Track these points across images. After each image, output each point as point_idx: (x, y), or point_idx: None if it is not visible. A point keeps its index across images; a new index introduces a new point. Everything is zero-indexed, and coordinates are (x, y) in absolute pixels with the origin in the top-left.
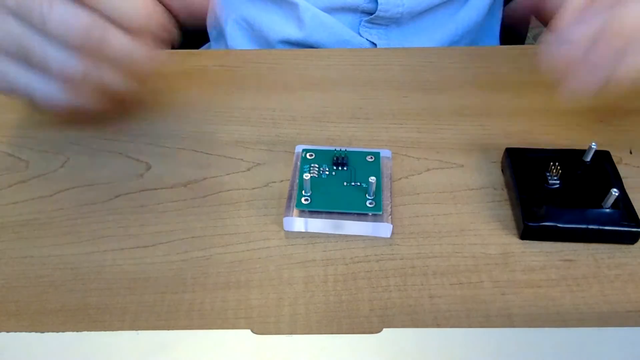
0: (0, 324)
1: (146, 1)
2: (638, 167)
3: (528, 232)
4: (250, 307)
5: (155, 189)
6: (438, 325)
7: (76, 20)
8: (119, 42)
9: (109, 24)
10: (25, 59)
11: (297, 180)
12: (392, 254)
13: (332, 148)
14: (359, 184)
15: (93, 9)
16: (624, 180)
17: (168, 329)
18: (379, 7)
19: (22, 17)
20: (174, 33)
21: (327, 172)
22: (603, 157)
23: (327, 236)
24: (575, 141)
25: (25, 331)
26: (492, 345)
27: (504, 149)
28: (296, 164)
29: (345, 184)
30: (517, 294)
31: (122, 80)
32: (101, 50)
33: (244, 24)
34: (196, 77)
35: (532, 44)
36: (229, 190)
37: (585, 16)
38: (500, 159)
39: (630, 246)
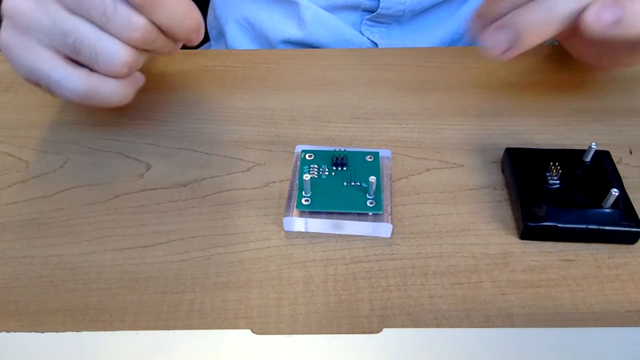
0: (0, 324)
1: (192, 11)
2: (638, 167)
3: (528, 232)
4: (250, 307)
5: (155, 189)
6: (438, 325)
7: (138, 23)
8: (166, 49)
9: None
10: (71, 52)
11: (297, 181)
12: (392, 254)
13: (332, 148)
14: (358, 184)
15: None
16: (624, 180)
17: (168, 329)
18: (381, 5)
19: (79, 13)
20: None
21: (326, 173)
22: (603, 157)
23: (327, 236)
24: (575, 141)
25: (25, 331)
26: (492, 345)
27: (504, 149)
28: (296, 164)
29: (345, 184)
30: (517, 294)
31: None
32: (151, 44)
33: (244, 24)
34: (196, 77)
35: None
36: (229, 190)
37: None
38: (500, 159)
39: (630, 246)
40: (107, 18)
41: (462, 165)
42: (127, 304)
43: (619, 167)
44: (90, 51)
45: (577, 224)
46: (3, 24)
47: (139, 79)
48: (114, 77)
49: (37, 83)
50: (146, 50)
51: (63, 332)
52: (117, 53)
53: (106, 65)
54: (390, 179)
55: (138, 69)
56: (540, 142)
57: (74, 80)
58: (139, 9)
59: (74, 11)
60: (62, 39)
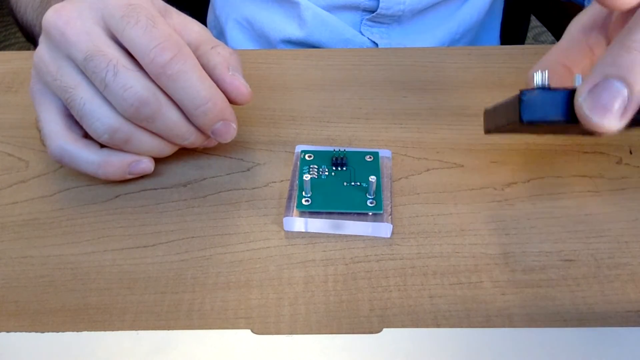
0: (0, 324)
1: (210, 87)
2: (638, 167)
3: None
4: (250, 307)
5: (155, 189)
6: (438, 325)
7: (134, 93)
8: (171, 120)
9: (168, 99)
10: (69, 107)
11: (297, 181)
12: (392, 254)
13: (331, 148)
14: (358, 183)
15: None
16: (624, 180)
17: (168, 329)
18: (380, 5)
19: (85, 71)
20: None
21: (326, 173)
22: None
23: (327, 236)
24: (575, 141)
25: (25, 331)
26: (492, 345)
27: (503, 149)
28: (296, 164)
29: (345, 184)
30: (517, 294)
31: (161, 149)
32: (151, 123)
33: (244, 24)
34: None
35: (532, 44)
36: (229, 190)
37: None
38: (500, 159)
39: (631, 246)
40: (106, 83)
41: (462, 165)
42: (127, 304)
43: (619, 167)
44: (78, 110)
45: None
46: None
47: (141, 164)
48: (100, 141)
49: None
50: (172, 143)
51: (63, 332)
52: (102, 117)
53: (88, 127)
54: (390, 179)
55: (143, 153)
56: (540, 142)
57: (58, 139)
58: (156, 78)
59: (82, 70)
60: (61, 93)
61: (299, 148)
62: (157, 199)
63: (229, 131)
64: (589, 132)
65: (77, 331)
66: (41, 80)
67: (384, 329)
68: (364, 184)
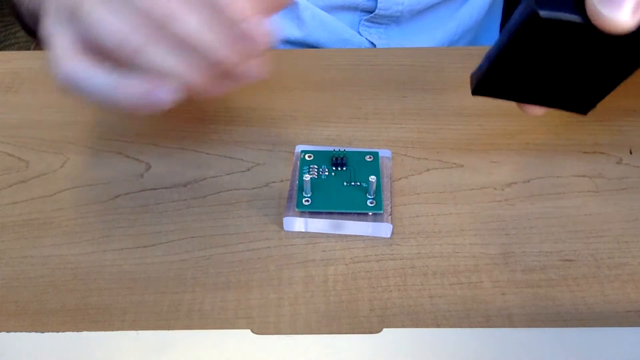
0: (0, 324)
1: None
2: (638, 167)
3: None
4: (250, 307)
5: (155, 189)
6: (438, 325)
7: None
8: (191, 24)
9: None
10: (76, 21)
11: (297, 181)
12: (392, 254)
13: (331, 148)
14: (358, 183)
15: None
16: (623, 181)
17: (168, 329)
18: (379, 6)
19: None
20: None
21: (326, 173)
22: None
23: (327, 236)
24: (575, 141)
25: (25, 331)
26: (492, 345)
27: (503, 149)
28: (296, 164)
29: (345, 184)
30: (517, 294)
31: (183, 70)
32: (165, 28)
33: None
34: None
35: None
36: (229, 190)
37: None
38: (500, 159)
39: (631, 246)
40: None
41: (462, 165)
42: (127, 304)
43: (619, 167)
44: (85, 21)
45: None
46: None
47: (162, 90)
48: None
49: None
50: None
51: (63, 332)
52: (109, 23)
53: (95, 38)
54: (390, 179)
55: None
56: (540, 142)
57: (68, 59)
58: None
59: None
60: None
61: (299, 148)
62: (157, 199)
63: (261, 30)
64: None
65: (77, 331)
66: (60, 9)
67: (384, 329)
68: (364, 184)
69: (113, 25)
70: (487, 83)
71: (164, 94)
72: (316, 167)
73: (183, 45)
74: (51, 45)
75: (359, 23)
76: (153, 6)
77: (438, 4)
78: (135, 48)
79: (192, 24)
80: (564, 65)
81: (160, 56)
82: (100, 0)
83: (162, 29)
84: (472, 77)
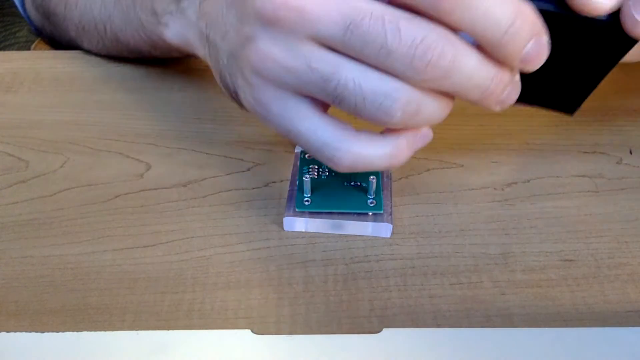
0: (0, 324)
1: (520, 5)
2: (638, 167)
3: None
4: (250, 307)
5: (155, 189)
6: (438, 325)
7: (426, 46)
8: (470, 66)
9: (461, 41)
10: (336, 99)
11: (297, 181)
12: (392, 254)
13: None
14: (358, 183)
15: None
16: (623, 181)
17: (168, 329)
18: None
19: (343, 47)
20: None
21: (326, 173)
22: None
23: (327, 236)
24: (575, 141)
25: (25, 331)
26: (492, 345)
27: (503, 149)
28: (296, 164)
29: (345, 184)
30: (517, 294)
31: (446, 111)
32: (447, 79)
33: None
34: (196, 77)
35: None
36: (229, 190)
37: None
38: (500, 159)
39: (631, 246)
40: (389, 49)
41: (462, 166)
42: (127, 304)
43: (619, 167)
44: (354, 96)
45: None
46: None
47: (425, 137)
48: (384, 124)
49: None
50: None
51: (63, 332)
52: (390, 92)
53: (371, 113)
54: (390, 179)
55: (430, 123)
56: (540, 142)
57: (342, 144)
58: (439, 15)
59: (336, 47)
60: (319, 85)
61: (299, 148)
62: (157, 199)
63: (541, 49)
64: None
65: (77, 331)
66: (274, 83)
67: (384, 329)
68: (364, 184)
69: (396, 93)
70: None
71: (428, 133)
72: (316, 167)
73: (461, 87)
74: (292, 133)
75: None
76: (439, 59)
77: None
78: (415, 112)
79: (472, 62)
80: (546, 60)
81: (435, 108)
82: (364, 68)
83: (443, 79)
84: None
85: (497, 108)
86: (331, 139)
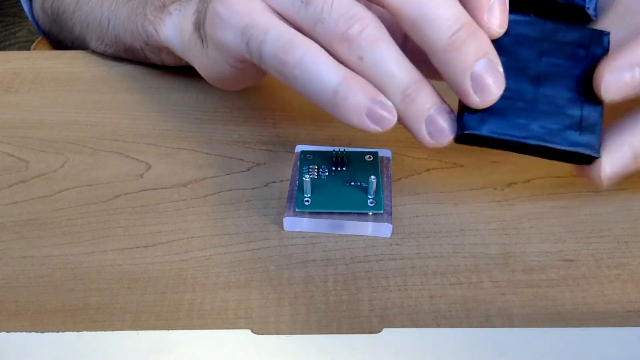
0: (0, 324)
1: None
2: None
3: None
4: (250, 307)
5: (155, 189)
6: (438, 325)
7: (355, 18)
8: (392, 57)
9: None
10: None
11: (297, 181)
12: (392, 254)
13: (331, 148)
14: (358, 183)
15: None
16: (623, 180)
17: (168, 329)
18: None
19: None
20: None
21: (326, 173)
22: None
23: (327, 236)
24: None
25: (25, 331)
26: (492, 345)
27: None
28: (296, 164)
29: (345, 184)
30: (517, 294)
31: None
32: (363, 55)
33: None
34: (196, 76)
35: None
36: (229, 190)
37: None
38: (500, 159)
39: (631, 246)
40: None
41: (462, 166)
42: (127, 304)
43: None
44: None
45: None
46: None
47: (384, 105)
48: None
49: (246, 52)
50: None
51: (63, 332)
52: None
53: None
54: (390, 179)
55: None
56: None
57: (292, 40)
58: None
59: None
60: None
61: (299, 148)
62: (157, 199)
63: (496, 75)
64: None
65: (77, 331)
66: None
67: (384, 329)
68: (364, 184)
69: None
70: None
71: (391, 107)
72: (316, 167)
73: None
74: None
75: None
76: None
77: None
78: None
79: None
80: None
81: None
82: None
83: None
84: None
85: (428, 139)
86: (292, 35)
